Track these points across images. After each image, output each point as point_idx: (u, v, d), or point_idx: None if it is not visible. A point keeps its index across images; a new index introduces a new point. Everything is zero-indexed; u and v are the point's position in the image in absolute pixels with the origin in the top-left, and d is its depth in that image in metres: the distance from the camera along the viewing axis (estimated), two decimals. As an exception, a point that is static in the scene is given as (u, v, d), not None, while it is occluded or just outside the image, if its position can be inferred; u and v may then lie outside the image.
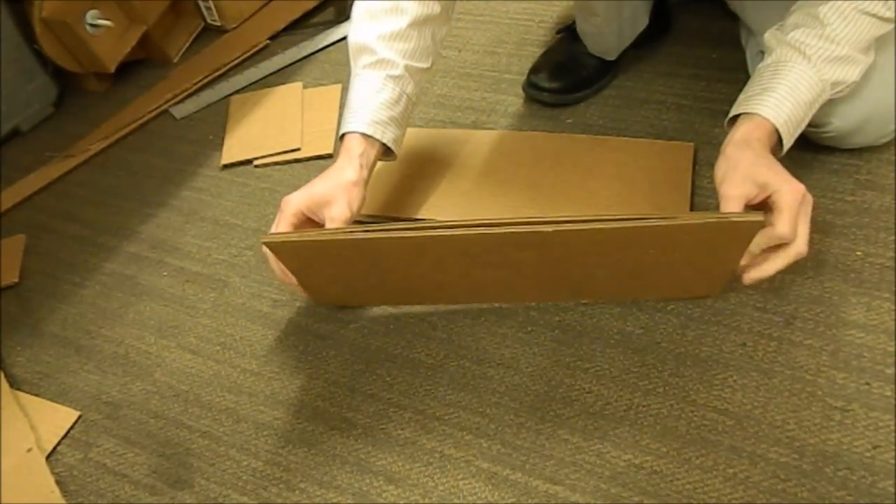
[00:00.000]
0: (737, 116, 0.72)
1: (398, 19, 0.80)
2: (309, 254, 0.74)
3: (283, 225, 0.76)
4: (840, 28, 0.69)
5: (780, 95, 0.69)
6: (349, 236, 0.69)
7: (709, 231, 0.64)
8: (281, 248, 0.74)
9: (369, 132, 0.79)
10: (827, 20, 0.69)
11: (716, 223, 0.63)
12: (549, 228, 0.64)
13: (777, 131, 0.69)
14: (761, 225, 0.63)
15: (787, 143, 0.71)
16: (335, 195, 0.77)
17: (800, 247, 0.67)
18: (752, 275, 0.70)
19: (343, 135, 0.81)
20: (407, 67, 0.81)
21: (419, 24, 0.81)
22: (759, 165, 0.67)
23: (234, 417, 0.80)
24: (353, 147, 0.79)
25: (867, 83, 0.74)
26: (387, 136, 0.81)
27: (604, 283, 0.77)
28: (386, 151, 0.83)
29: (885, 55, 0.74)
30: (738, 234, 0.65)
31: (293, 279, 0.79)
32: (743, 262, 0.69)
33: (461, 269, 0.74)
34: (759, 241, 0.67)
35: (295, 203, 0.77)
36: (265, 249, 0.76)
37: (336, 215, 0.76)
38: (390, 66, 0.80)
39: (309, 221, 0.78)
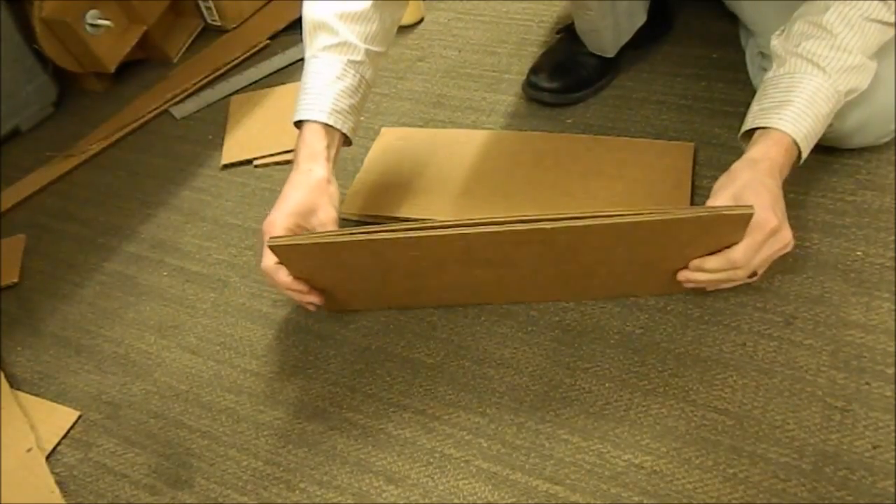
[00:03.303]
0: (752, 129, 0.72)
1: None
2: (316, 257, 0.73)
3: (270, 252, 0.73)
4: (849, 37, 0.68)
5: (800, 109, 0.68)
6: (355, 237, 0.69)
7: (703, 224, 0.65)
8: (289, 252, 0.73)
9: (331, 122, 0.77)
10: (835, 29, 0.68)
11: (707, 216, 0.64)
12: (549, 225, 0.65)
13: (797, 145, 0.69)
14: (751, 216, 0.63)
15: (804, 156, 0.71)
16: (316, 200, 0.75)
17: (742, 274, 0.68)
18: (685, 274, 0.71)
19: (300, 122, 0.78)
20: (367, 52, 0.79)
21: (380, 5, 0.78)
22: (749, 188, 0.66)
23: (234, 417, 0.80)
24: (315, 141, 0.77)
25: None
26: (347, 126, 0.79)
27: (603, 281, 0.77)
28: (344, 141, 0.81)
29: (885, 56, 0.73)
30: (730, 226, 0.65)
31: (302, 287, 0.76)
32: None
33: (462, 268, 0.75)
34: (716, 261, 0.68)
35: (281, 223, 0.73)
36: (266, 264, 0.74)
37: (325, 220, 0.75)
38: (352, 51, 0.78)
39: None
